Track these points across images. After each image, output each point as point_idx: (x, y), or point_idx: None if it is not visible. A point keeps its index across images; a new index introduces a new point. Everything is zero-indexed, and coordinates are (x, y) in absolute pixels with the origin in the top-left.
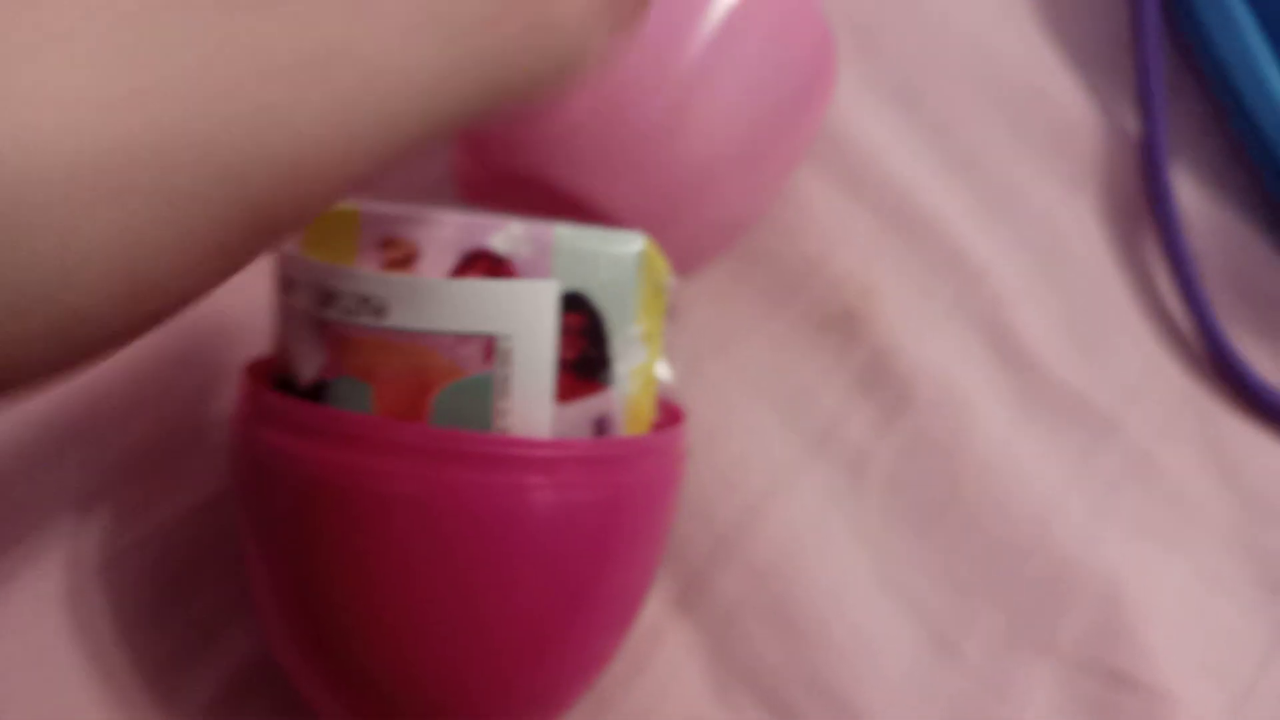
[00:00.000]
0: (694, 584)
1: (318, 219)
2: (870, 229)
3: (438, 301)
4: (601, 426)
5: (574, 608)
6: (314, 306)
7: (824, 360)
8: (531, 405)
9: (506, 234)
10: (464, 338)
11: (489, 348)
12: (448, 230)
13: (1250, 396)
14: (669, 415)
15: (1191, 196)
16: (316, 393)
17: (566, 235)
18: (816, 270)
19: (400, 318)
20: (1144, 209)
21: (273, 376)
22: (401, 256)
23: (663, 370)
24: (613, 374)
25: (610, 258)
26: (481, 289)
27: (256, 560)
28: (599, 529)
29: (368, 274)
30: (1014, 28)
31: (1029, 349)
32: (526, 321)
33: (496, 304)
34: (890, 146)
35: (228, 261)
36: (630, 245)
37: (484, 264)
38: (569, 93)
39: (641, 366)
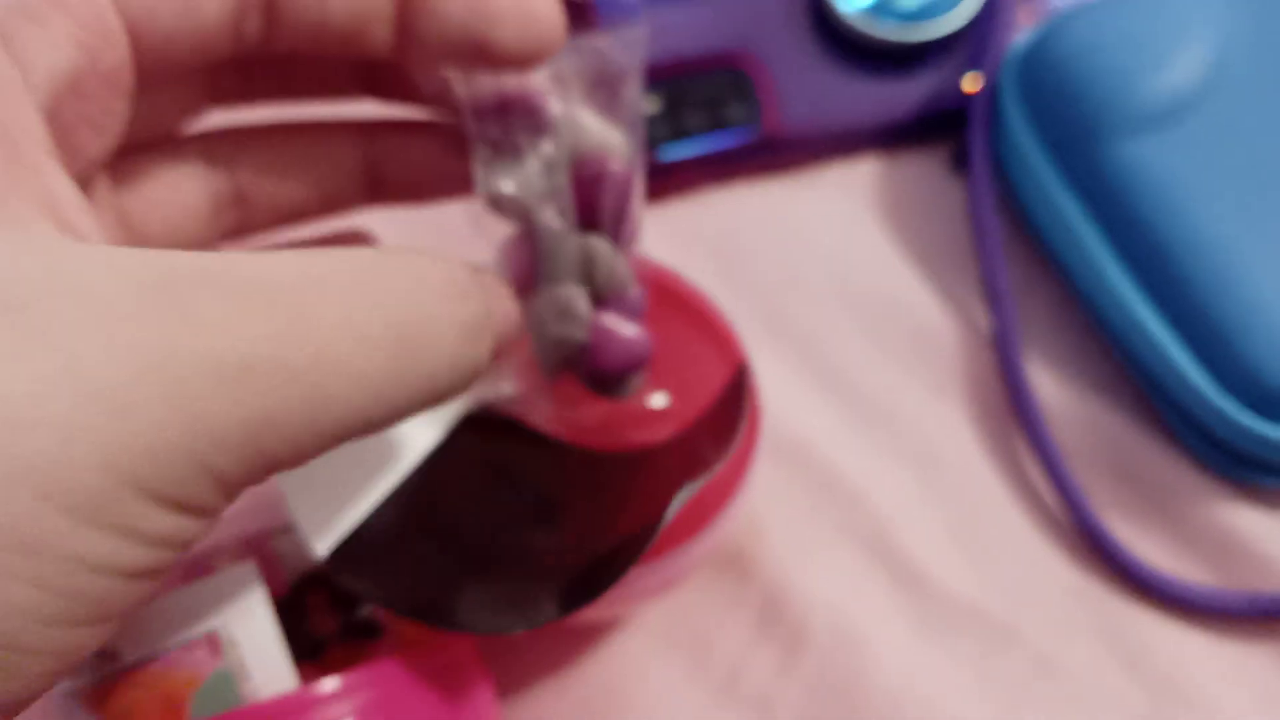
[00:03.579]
0: None
1: None
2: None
3: (153, 624)
4: None
5: None
6: (69, 679)
7: (721, 604)
8: (274, 677)
9: (222, 557)
10: (188, 646)
11: (214, 643)
12: (174, 573)
13: (1139, 584)
14: None
15: (1055, 389)
16: None
17: (281, 539)
18: None
19: (132, 653)
20: (1008, 406)
21: None
22: None
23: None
24: (380, 625)
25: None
26: (185, 595)
27: None
28: None
29: None
30: (865, 240)
31: (917, 565)
32: (235, 605)
33: (203, 602)
34: (762, 375)
35: None
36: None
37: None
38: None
39: None
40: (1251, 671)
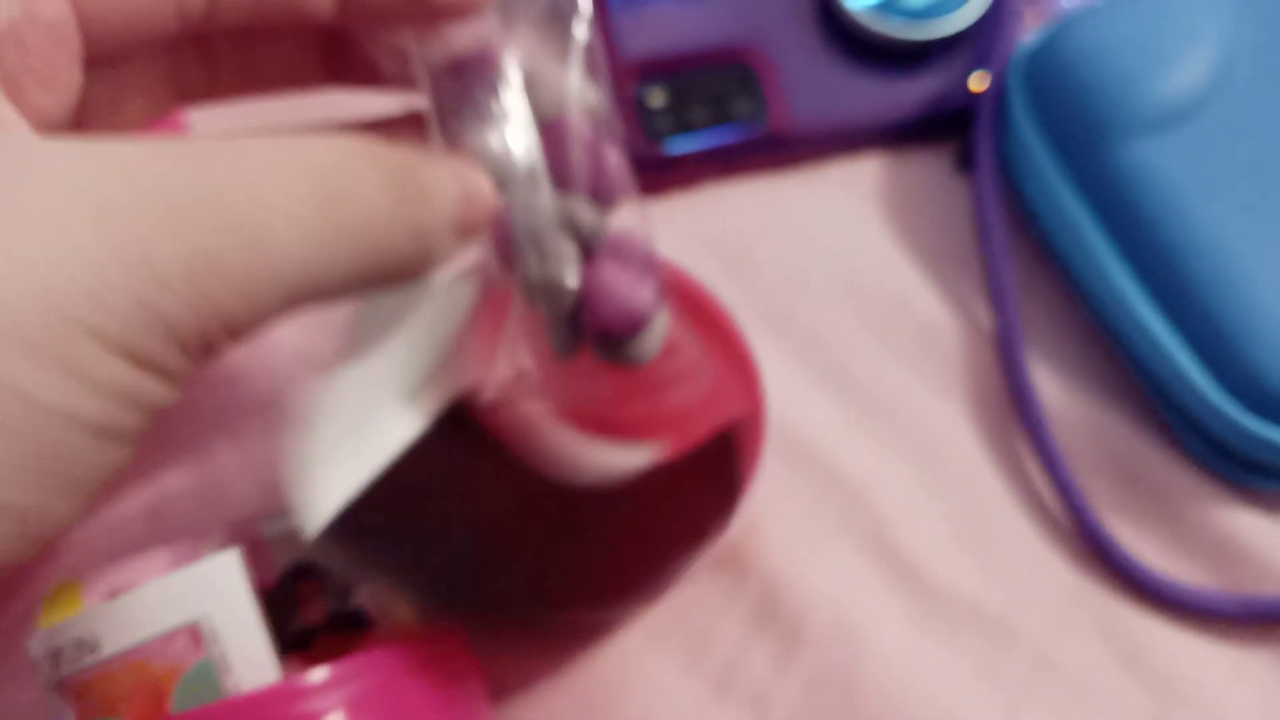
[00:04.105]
0: None
1: (47, 599)
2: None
3: (133, 614)
4: None
5: None
6: (50, 670)
7: (719, 601)
8: (257, 669)
9: (212, 543)
10: (169, 636)
11: (195, 635)
12: (162, 559)
13: (1136, 584)
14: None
15: (1057, 389)
16: None
17: (273, 519)
18: None
19: (111, 644)
20: (1010, 406)
21: None
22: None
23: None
24: (370, 616)
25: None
26: (165, 586)
27: None
28: None
29: (75, 617)
30: (869, 238)
31: (917, 563)
32: (218, 595)
33: (184, 593)
34: (764, 370)
35: None
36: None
37: None
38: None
39: (396, 602)
40: (1250, 674)
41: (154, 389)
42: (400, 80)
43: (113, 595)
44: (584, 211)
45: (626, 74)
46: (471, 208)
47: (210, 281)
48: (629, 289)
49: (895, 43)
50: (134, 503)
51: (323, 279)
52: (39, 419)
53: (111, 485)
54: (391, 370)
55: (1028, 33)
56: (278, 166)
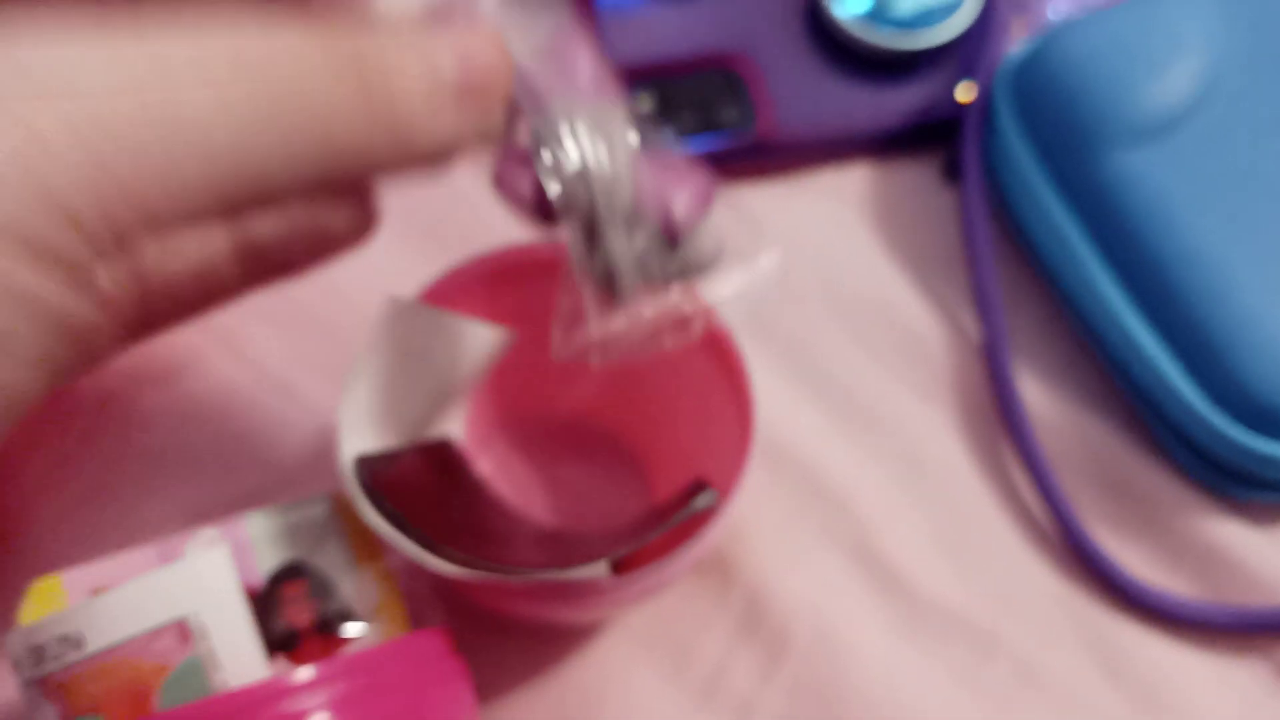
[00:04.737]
0: None
1: (27, 596)
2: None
3: (119, 611)
4: None
5: None
6: (32, 668)
7: (702, 609)
8: (246, 666)
9: (196, 541)
10: (156, 633)
11: (183, 632)
12: (145, 556)
13: (1121, 593)
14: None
15: (1043, 398)
16: None
17: (257, 519)
18: None
19: (96, 641)
20: (996, 414)
21: None
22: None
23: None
24: (356, 617)
25: (306, 520)
26: (152, 582)
27: None
28: None
29: (58, 613)
30: (856, 247)
31: (900, 571)
32: (207, 592)
33: (171, 589)
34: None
35: None
36: (317, 506)
37: None
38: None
39: (382, 603)
40: (1235, 684)
41: (58, 294)
42: None
43: (96, 592)
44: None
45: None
46: (473, 73)
47: (115, 157)
48: (684, 165)
49: (883, 52)
50: (112, 509)
51: (264, 168)
52: None
53: (89, 493)
54: (423, 380)
55: (1015, 43)
56: (198, 43)
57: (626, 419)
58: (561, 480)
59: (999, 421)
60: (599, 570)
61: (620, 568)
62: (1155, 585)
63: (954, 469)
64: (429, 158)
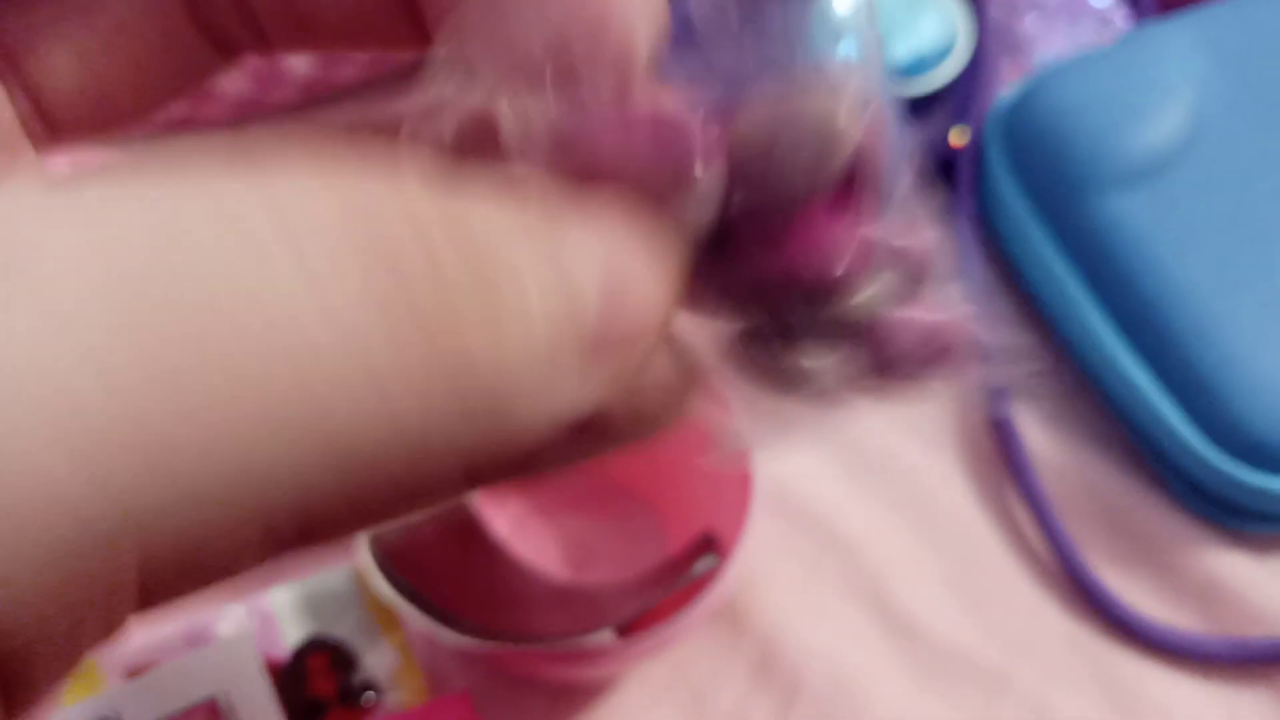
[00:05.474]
0: None
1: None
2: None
3: (153, 693)
4: None
5: None
6: None
7: (717, 657)
8: None
9: (224, 617)
10: (188, 712)
11: (213, 710)
12: (176, 630)
13: (1128, 629)
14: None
15: (1044, 439)
16: None
17: (281, 591)
18: None
19: None
20: (999, 456)
21: None
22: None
23: None
24: (379, 686)
25: (328, 591)
26: (184, 664)
27: None
28: None
29: (96, 696)
30: None
31: (912, 616)
32: (234, 672)
33: (202, 670)
34: None
35: None
36: (338, 576)
37: None
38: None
39: (401, 671)
40: (1241, 716)
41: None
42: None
43: (131, 673)
44: None
45: None
46: (622, 316)
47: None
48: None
49: None
50: None
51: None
52: None
53: None
54: None
55: (1005, 87)
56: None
57: (638, 469)
58: (577, 533)
59: (1002, 463)
60: (604, 637)
61: (628, 630)
62: (1159, 620)
63: (961, 512)
64: (519, 442)
